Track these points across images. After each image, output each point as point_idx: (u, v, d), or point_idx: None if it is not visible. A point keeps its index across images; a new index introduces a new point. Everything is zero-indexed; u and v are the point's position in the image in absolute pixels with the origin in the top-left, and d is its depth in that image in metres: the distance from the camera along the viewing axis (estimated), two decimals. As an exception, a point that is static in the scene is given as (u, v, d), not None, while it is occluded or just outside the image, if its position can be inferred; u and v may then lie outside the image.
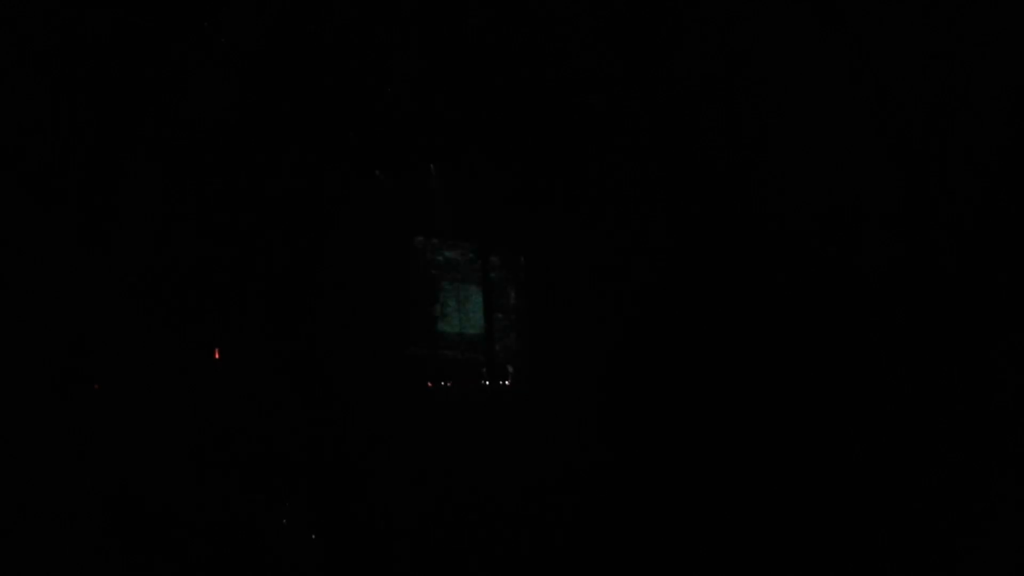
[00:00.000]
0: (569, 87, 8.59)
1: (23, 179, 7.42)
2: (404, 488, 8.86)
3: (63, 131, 7.51)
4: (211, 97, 8.15)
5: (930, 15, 6.14)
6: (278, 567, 7.15)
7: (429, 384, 11.32)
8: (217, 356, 9.17)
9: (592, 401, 9.62)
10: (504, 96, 8.84)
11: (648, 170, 8.66)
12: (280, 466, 8.04)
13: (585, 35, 8.11)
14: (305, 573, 7.37)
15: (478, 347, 11.09)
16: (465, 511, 8.34)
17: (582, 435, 8.80)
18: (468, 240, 11.03)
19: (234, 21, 8.09)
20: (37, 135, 7.38)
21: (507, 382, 10.93)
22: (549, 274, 10.97)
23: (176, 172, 8.24)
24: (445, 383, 11.32)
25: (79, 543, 6.52)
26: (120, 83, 7.62)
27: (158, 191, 8.18)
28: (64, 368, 7.70)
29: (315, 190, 9.61)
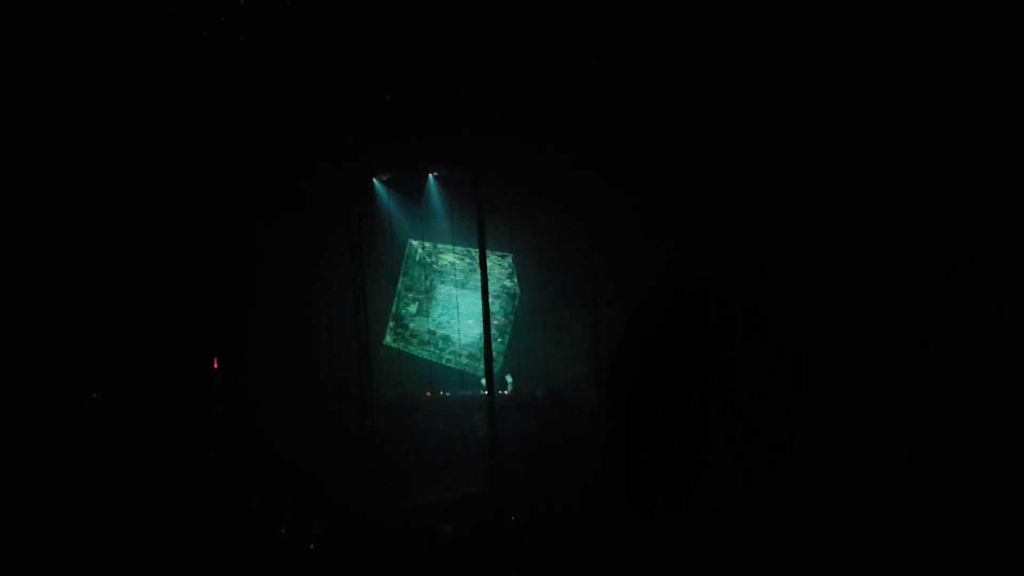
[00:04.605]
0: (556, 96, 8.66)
1: (24, 185, 7.42)
2: (402, 490, 8.83)
3: (63, 132, 7.51)
4: (210, 103, 8.16)
5: None
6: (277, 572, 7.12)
7: (428, 394, 11.33)
8: (216, 365, 9.17)
9: (592, 408, 9.60)
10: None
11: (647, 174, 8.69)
12: (276, 470, 8.01)
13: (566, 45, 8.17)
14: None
15: (476, 354, 11.14)
16: (463, 513, 8.30)
17: (584, 441, 8.76)
18: (468, 248, 11.13)
19: (238, 26, 8.11)
20: (37, 139, 7.39)
21: (506, 391, 10.93)
22: (548, 286, 11.01)
23: (175, 177, 8.24)
24: (444, 392, 11.34)
25: (78, 545, 6.50)
26: (127, 85, 7.62)
27: (165, 197, 8.18)
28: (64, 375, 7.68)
29: (314, 191, 9.61)
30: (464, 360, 11.45)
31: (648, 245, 8.23)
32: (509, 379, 11.03)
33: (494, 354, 11.15)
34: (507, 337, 11.35)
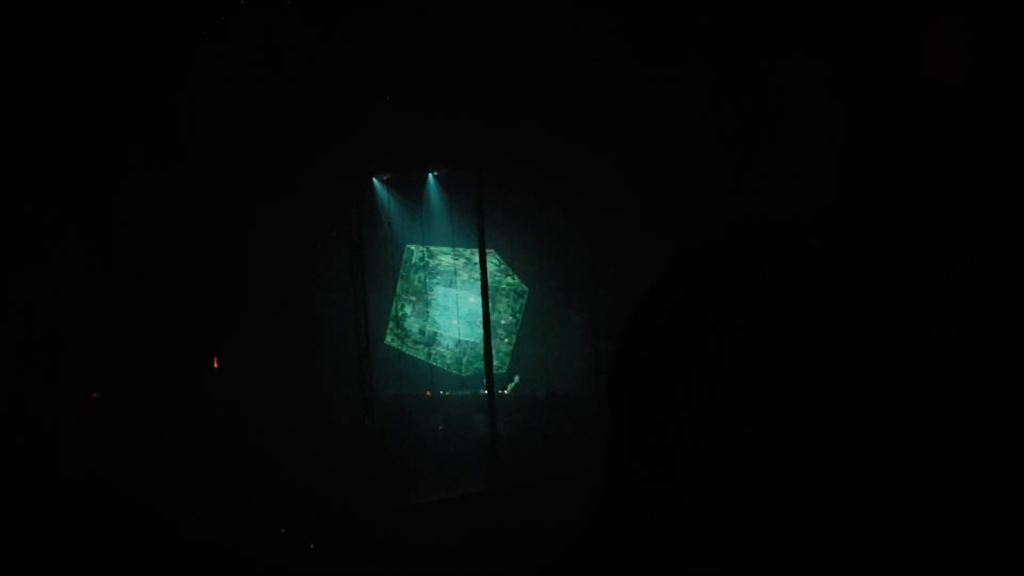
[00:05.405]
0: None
1: (23, 183, 7.42)
2: (401, 490, 8.84)
3: (64, 132, 7.51)
4: (211, 105, 8.16)
5: None
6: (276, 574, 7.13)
7: (428, 393, 11.34)
8: (216, 365, 9.17)
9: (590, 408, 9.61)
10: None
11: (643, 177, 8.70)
12: (275, 470, 8.01)
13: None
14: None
15: (464, 353, 11.18)
16: (463, 514, 8.30)
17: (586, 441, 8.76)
18: (457, 247, 11.23)
19: (238, 28, 8.11)
20: (36, 136, 7.38)
21: (506, 391, 10.93)
22: (548, 286, 11.03)
23: (175, 178, 8.24)
24: (443, 392, 11.36)
25: (78, 545, 6.51)
26: (126, 85, 7.62)
27: (159, 197, 8.17)
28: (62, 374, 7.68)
29: (311, 195, 9.62)
30: (449, 360, 11.54)
31: (648, 244, 8.23)
32: (517, 379, 11.03)
33: (502, 354, 11.17)
34: (513, 337, 11.37)
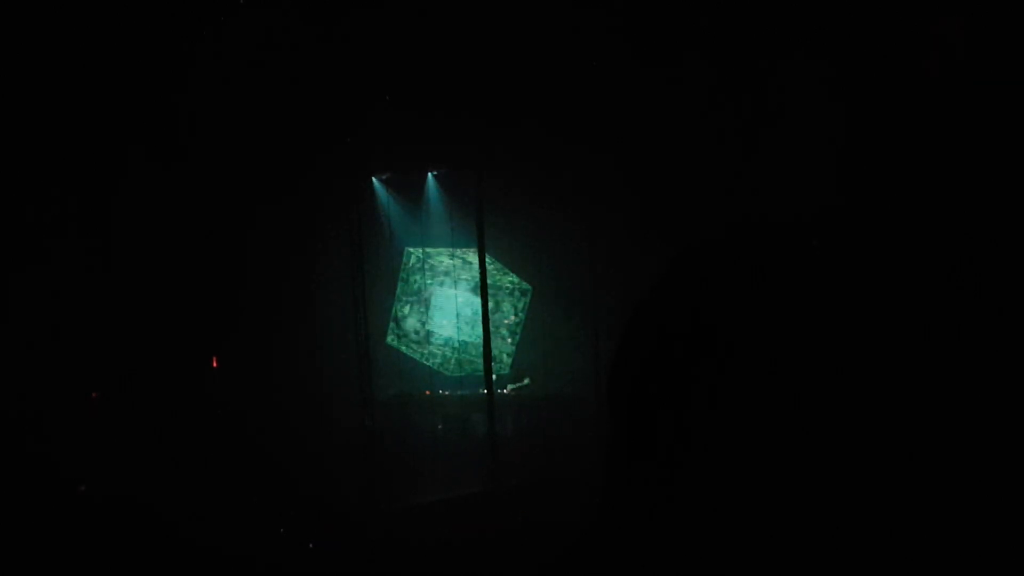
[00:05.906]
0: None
1: (23, 183, 7.42)
2: (400, 490, 8.84)
3: (64, 132, 7.51)
4: (211, 104, 8.16)
5: None
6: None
7: (427, 393, 11.36)
8: (216, 364, 9.17)
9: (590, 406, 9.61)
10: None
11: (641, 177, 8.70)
12: (275, 470, 8.01)
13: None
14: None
15: (477, 354, 11.17)
16: (463, 514, 8.30)
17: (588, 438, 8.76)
18: (452, 248, 11.26)
19: (238, 28, 8.11)
20: (36, 136, 7.39)
21: (506, 390, 10.94)
22: (547, 285, 11.04)
23: (175, 177, 8.24)
24: (443, 391, 11.38)
25: (76, 544, 6.51)
26: (127, 86, 7.62)
27: (159, 196, 8.17)
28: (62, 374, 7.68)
29: (311, 195, 9.62)
30: (441, 360, 11.56)
31: (648, 244, 8.23)
32: (527, 381, 11.02)
33: (505, 354, 11.17)
34: (517, 337, 11.37)
